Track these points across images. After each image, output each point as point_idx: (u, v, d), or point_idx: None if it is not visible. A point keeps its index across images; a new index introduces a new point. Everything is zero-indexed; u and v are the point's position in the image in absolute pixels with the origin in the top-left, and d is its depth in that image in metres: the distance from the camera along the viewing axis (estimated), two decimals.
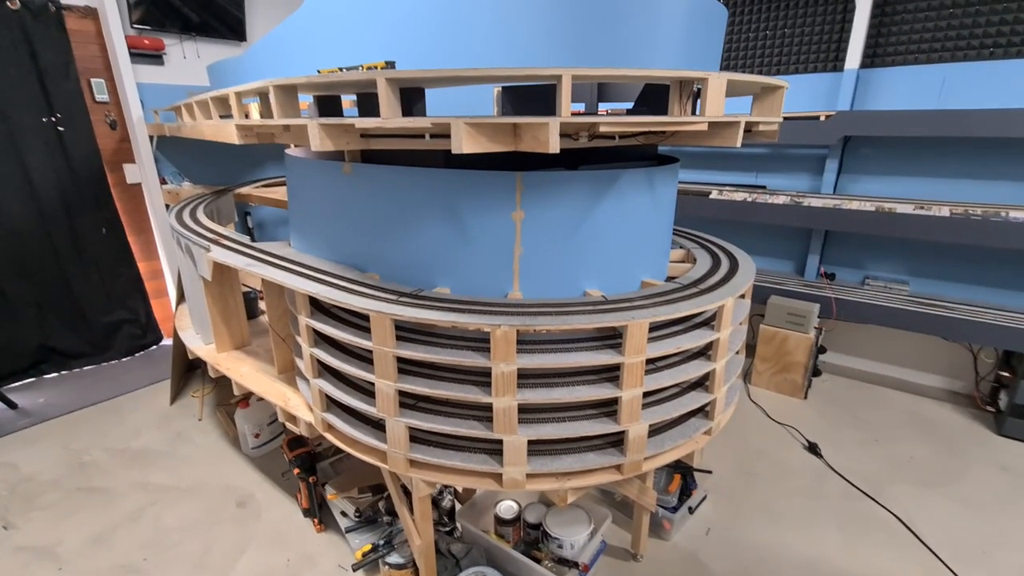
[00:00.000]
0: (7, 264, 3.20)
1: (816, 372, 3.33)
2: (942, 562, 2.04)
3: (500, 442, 1.45)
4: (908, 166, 3.15)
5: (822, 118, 3.13)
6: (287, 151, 2.16)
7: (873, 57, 3.12)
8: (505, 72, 1.16)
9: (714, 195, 3.51)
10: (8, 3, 2.94)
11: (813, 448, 2.71)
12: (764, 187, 3.63)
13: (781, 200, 3.27)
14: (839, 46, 3.20)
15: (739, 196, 3.43)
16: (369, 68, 1.36)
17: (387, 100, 1.21)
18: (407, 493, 1.74)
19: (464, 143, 1.16)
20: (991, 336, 2.76)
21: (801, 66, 3.37)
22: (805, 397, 3.24)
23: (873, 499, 2.37)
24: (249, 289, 2.79)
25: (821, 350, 3.28)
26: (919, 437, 2.85)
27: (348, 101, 2.44)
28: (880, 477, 2.52)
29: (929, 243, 3.14)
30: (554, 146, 1.15)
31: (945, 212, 2.79)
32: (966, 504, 2.35)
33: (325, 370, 1.76)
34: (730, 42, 3.58)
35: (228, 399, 3.05)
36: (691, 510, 2.22)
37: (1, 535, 2.18)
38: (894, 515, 2.27)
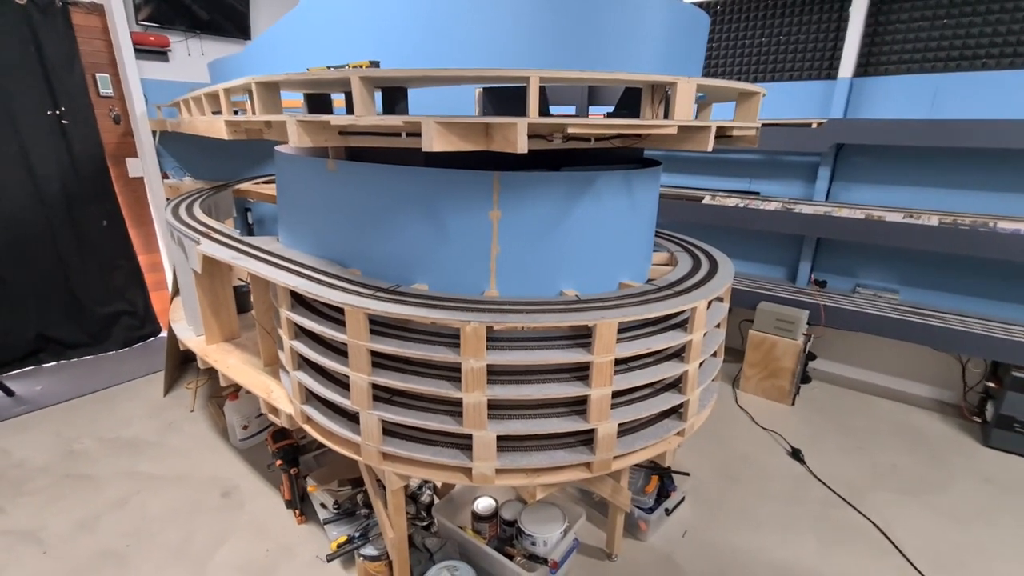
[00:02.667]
0: (8, 253, 3.26)
1: (805, 379, 3.32)
2: (918, 571, 2.04)
3: (470, 437, 1.48)
4: (899, 175, 3.15)
5: (814, 125, 3.13)
6: (276, 148, 2.20)
7: (866, 66, 3.13)
8: (475, 73, 1.18)
9: (707, 200, 3.52)
10: None
11: (796, 454, 2.71)
12: (757, 193, 3.63)
13: (773, 206, 3.28)
14: (833, 54, 3.21)
15: (731, 202, 3.44)
16: (355, 67, 1.39)
17: (361, 98, 1.24)
18: (383, 486, 1.77)
19: (435, 141, 1.19)
20: (979, 346, 2.75)
21: (795, 73, 3.38)
22: (792, 403, 3.24)
23: (853, 506, 2.37)
24: (242, 283, 2.83)
25: (811, 357, 3.28)
26: (904, 446, 2.84)
27: (340, 100, 2.48)
28: (862, 485, 2.52)
29: (919, 252, 3.14)
30: (522, 146, 1.17)
31: (934, 221, 2.80)
32: (946, 514, 2.35)
33: (305, 363, 1.79)
34: (725, 48, 3.60)
35: (220, 391, 3.08)
36: (668, 512, 2.23)
37: None
38: (872, 523, 2.28)
